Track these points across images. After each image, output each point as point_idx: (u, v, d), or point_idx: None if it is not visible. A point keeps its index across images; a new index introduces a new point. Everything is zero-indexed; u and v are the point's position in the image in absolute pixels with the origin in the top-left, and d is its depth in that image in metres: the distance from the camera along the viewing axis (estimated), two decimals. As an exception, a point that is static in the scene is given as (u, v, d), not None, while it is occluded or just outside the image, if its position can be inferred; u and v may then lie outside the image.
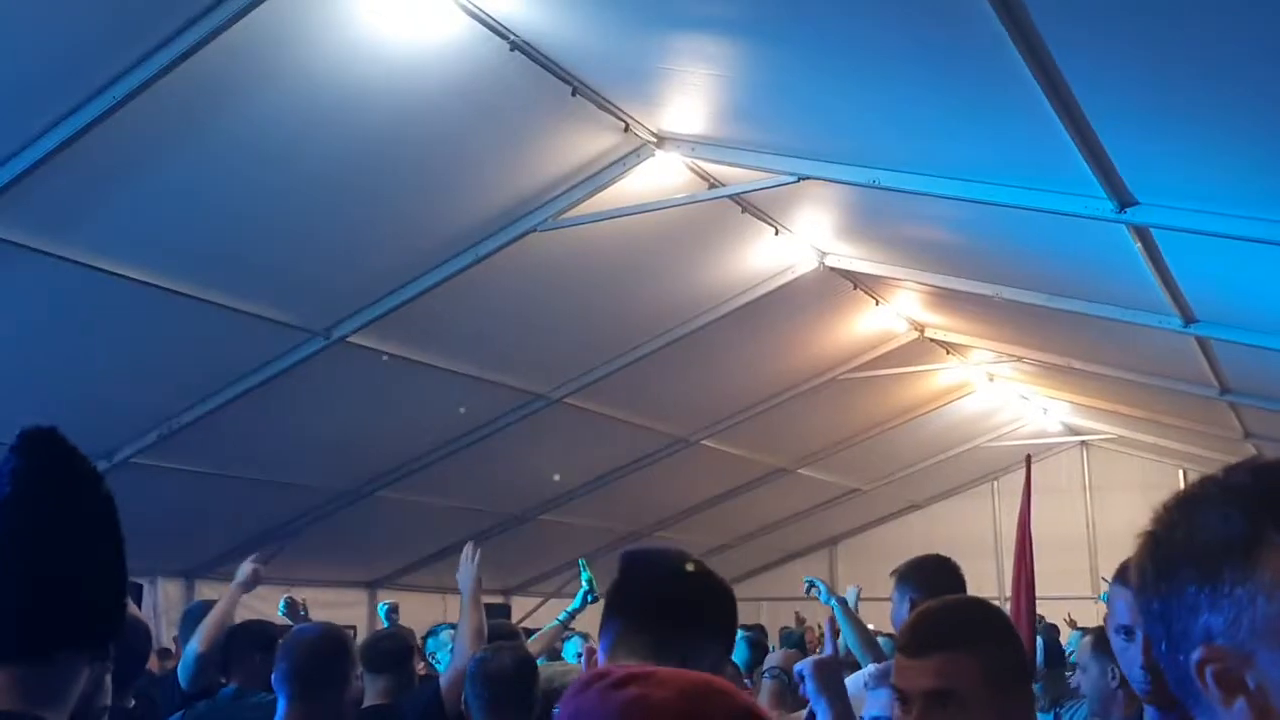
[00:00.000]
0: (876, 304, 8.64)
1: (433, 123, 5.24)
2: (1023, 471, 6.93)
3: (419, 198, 5.88)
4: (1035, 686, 4.86)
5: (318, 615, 7.40)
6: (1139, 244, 5.21)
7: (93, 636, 1.54)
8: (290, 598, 5.63)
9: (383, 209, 5.85)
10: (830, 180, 5.67)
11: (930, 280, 7.65)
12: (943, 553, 3.34)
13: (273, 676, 2.92)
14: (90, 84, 4.40)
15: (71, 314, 5.73)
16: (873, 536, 15.73)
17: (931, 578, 3.11)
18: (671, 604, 1.80)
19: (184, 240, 5.54)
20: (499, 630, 4.30)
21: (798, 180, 5.55)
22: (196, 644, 4.00)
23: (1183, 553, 0.94)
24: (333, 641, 2.98)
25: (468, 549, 4.00)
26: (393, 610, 7.28)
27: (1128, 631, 2.15)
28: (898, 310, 9.00)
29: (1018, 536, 6.08)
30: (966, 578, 3.22)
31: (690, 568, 1.89)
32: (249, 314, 6.14)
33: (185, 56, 4.31)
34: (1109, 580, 2.44)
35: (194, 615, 4.35)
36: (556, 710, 1.31)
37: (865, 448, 12.33)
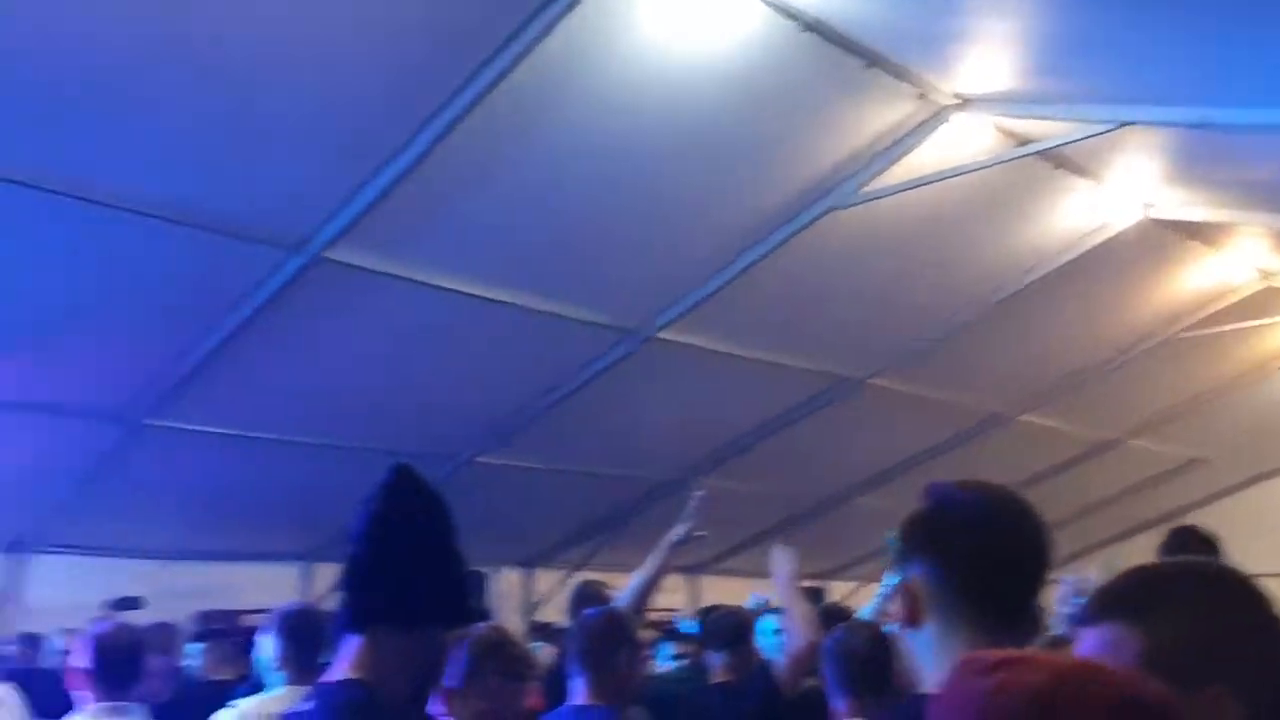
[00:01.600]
0: (1212, 254, 7.91)
1: (728, 113, 5.31)
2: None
3: (719, 189, 5.97)
4: None
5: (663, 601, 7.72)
6: None
7: (445, 614, 2.06)
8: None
9: (684, 204, 5.99)
10: (1154, 124, 5.26)
11: (1276, 223, 6.92)
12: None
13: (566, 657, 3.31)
14: (419, 115, 4.79)
15: (415, 329, 6.28)
16: (1218, 511, 14.38)
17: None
18: (1018, 554, 1.54)
19: (505, 254, 5.93)
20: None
21: (1118, 127, 5.18)
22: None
23: None
24: (609, 623, 3.34)
25: (776, 551, 4.10)
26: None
27: None
28: (1239, 258, 8.19)
29: None
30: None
31: (1025, 507, 1.61)
32: (569, 318, 6.50)
33: (495, 84, 4.63)
34: None
35: (584, 597, 4.64)
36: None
37: (1205, 413, 11.31)
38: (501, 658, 2.89)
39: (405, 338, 6.33)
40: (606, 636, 3.28)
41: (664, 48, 4.80)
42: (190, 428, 6.60)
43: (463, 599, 2.13)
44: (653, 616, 6.98)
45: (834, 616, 3.88)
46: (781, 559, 4.05)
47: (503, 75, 4.60)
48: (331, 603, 2.23)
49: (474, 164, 5.21)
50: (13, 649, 6.27)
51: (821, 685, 3.24)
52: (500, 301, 6.14)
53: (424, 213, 5.43)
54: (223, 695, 4.50)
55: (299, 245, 5.36)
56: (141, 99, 4.41)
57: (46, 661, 6.41)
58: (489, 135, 5.01)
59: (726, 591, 8.37)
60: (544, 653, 5.56)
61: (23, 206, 4.67)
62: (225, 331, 5.78)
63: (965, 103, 5.53)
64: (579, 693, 3.21)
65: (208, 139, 4.69)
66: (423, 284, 5.83)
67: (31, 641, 6.56)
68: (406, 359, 6.52)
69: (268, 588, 7.97)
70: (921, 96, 5.46)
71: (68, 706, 3.22)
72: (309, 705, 2.05)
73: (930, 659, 1.50)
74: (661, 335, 6.93)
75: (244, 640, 5.93)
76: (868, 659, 3.02)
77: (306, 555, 8.53)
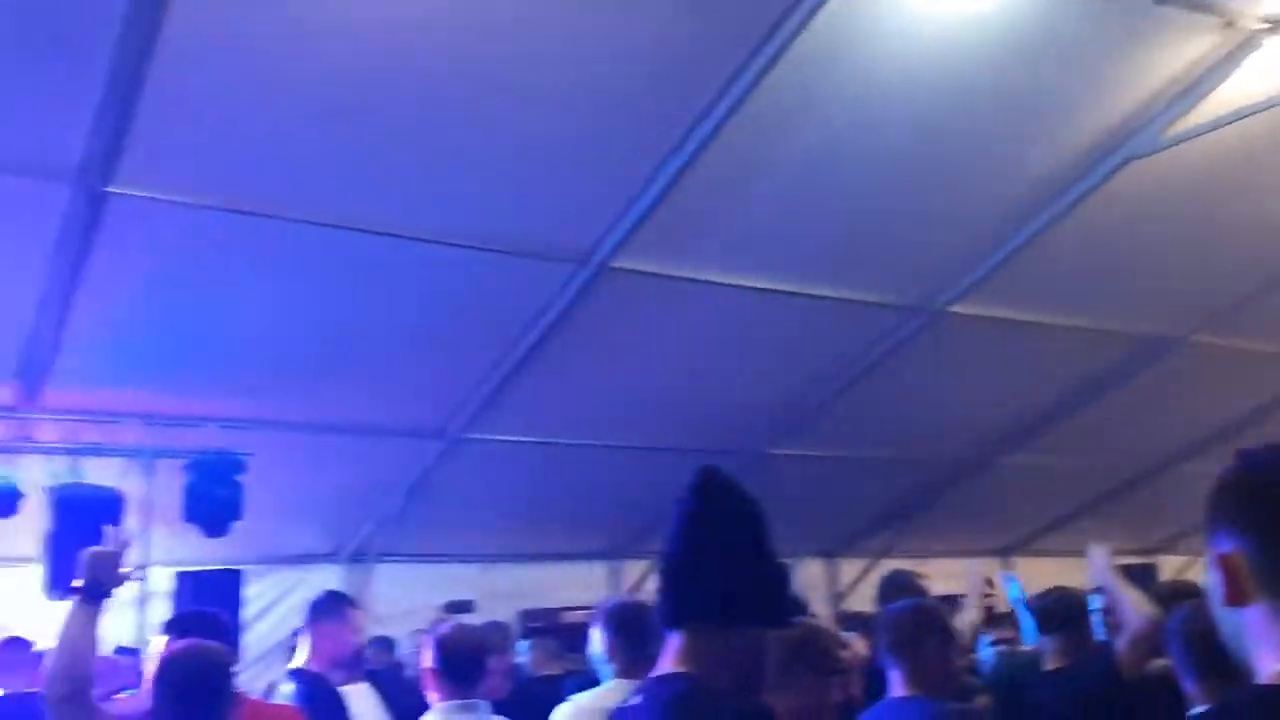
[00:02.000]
0: None
1: (1004, 72, 5.06)
2: None
3: (1001, 153, 5.70)
4: None
5: (950, 586, 7.48)
6: None
7: (763, 612, 2.06)
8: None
9: (965, 172, 5.75)
10: None
11: None
12: None
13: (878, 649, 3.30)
14: (686, 117, 4.87)
15: (702, 327, 6.38)
16: None
17: None
18: None
19: (784, 244, 5.91)
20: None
21: None
22: None
23: None
24: (917, 614, 3.30)
25: (1092, 548, 3.98)
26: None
27: None
28: None
29: None
30: None
31: None
32: (856, 301, 6.42)
33: (761, 76, 4.63)
34: None
35: (893, 586, 4.60)
36: None
37: None
38: (814, 653, 2.88)
39: (692, 337, 6.45)
40: (915, 627, 3.24)
41: (930, 14, 4.64)
42: (502, 438, 7.03)
43: (779, 596, 2.13)
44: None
45: (1175, 594, 3.62)
46: (1097, 553, 3.88)
47: (768, 67, 4.60)
48: (650, 597, 2.30)
49: (745, 158, 5.23)
50: (368, 651, 6.86)
51: (1168, 667, 3.03)
52: (783, 291, 6.15)
53: (700, 212, 5.50)
54: (554, 690, 4.75)
55: (585, 258, 5.59)
56: (436, 142, 4.75)
57: (400, 663, 7.00)
58: (758, 128, 5.02)
59: (1042, 573, 7.95)
60: (856, 643, 5.51)
61: (348, 248, 5.17)
62: (526, 347, 6.13)
63: (1278, 25, 5.00)
64: (897, 685, 3.17)
65: (494, 170, 4.98)
66: (705, 282, 5.94)
67: (384, 644, 7.16)
68: (695, 357, 6.64)
69: (581, 585, 8.37)
70: (1227, 25, 4.99)
71: (421, 704, 3.48)
72: (638, 699, 2.12)
73: (1257, 643, 1.33)
74: (953, 309, 6.71)
75: (566, 637, 6.25)
76: (1210, 639, 2.79)
77: (614, 553, 8.87)
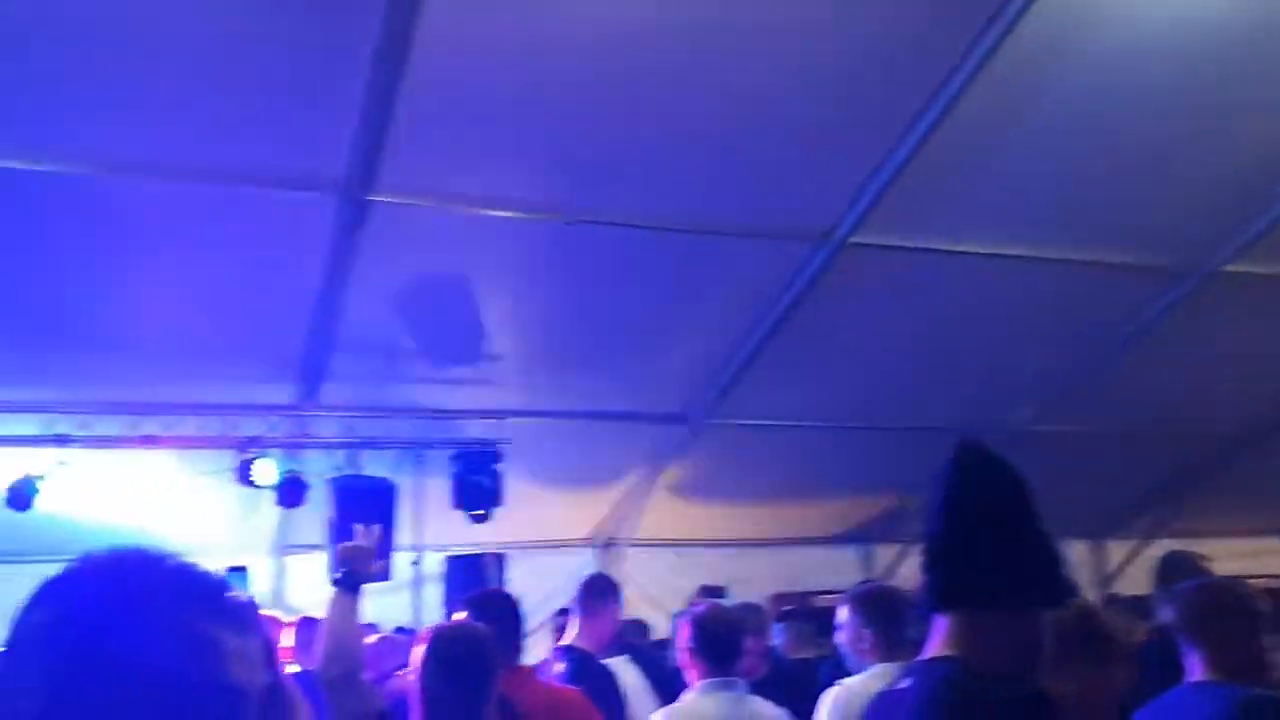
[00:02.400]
0: None
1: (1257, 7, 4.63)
2: None
3: (1273, 96, 5.19)
4: None
5: (1233, 568, 6.91)
6: None
7: (1035, 592, 1.94)
8: None
9: (1235, 120, 5.29)
10: None
11: None
12: None
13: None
14: (925, 87, 4.72)
15: (948, 300, 6.16)
16: None
17: None
18: None
19: (1033, 209, 5.63)
20: None
21: None
22: None
23: None
24: (1212, 593, 3.07)
25: None
26: None
27: None
28: None
29: None
30: None
31: None
32: (1114, 264, 6.03)
33: (1001, 40, 4.43)
34: None
35: (1173, 568, 4.33)
36: None
37: None
38: (1090, 637, 2.74)
39: (940, 310, 6.24)
40: (1213, 607, 3.01)
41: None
42: (745, 422, 7.05)
43: (1053, 575, 2.03)
44: (1264, 585, 6.24)
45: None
46: None
47: (1009, 29, 4.39)
48: (901, 581, 2.24)
49: (986, 125, 5.02)
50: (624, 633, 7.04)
51: None
52: (1036, 258, 5.85)
53: (944, 181, 5.31)
54: (809, 673, 4.72)
55: (825, 236, 5.50)
56: (675, 130, 4.80)
57: (662, 642, 7.14)
58: (999, 93, 4.80)
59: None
60: (1132, 628, 5.19)
61: (593, 241, 5.32)
62: (768, 328, 6.11)
63: None
64: (1195, 669, 2.96)
65: (732, 153, 4.98)
66: (952, 252, 5.73)
67: (639, 627, 7.34)
68: (944, 332, 6.43)
69: (832, 570, 8.29)
70: None
71: (679, 684, 3.54)
72: (906, 682, 2.07)
73: None
74: (1226, 268, 6.19)
75: (818, 621, 6.20)
76: None
77: (866, 537, 8.73)
